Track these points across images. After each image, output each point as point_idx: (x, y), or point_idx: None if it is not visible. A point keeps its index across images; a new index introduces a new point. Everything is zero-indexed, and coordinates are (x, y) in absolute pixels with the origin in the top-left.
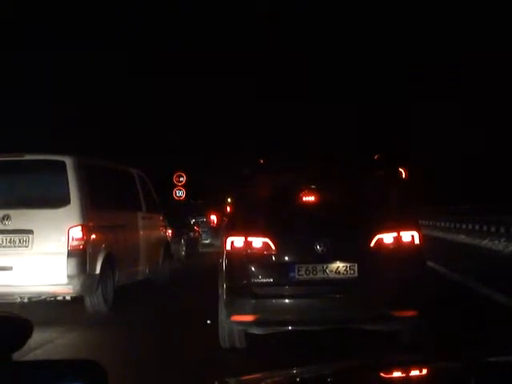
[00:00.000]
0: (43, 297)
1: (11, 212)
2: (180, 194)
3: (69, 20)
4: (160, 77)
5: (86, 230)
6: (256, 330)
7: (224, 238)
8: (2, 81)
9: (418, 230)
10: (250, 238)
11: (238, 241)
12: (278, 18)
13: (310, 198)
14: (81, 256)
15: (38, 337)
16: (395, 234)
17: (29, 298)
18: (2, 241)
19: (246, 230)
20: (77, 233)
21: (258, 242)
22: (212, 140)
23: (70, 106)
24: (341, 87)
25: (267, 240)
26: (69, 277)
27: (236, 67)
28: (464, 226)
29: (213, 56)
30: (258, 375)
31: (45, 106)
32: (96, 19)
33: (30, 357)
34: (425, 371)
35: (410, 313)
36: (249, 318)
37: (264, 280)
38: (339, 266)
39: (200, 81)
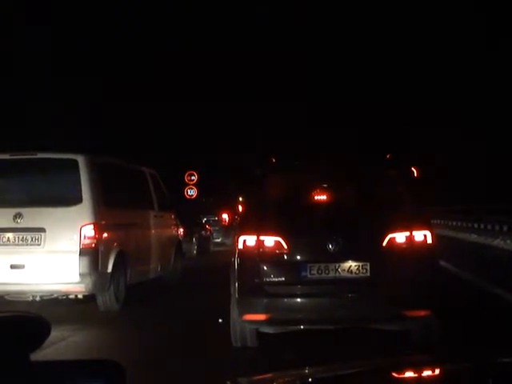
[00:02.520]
0: (55, 295)
1: (23, 210)
2: (191, 192)
3: (68, 20)
4: (162, 77)
5: (98, 228)
6: (268, 329)
7: (236, 237)
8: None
9: (431, 230)
10: (262, 237)
11: (250, 240)
12: (278, 18)
13: (322, 197)
14: (93, 254)
15: None
16: (407, 234)
17: (41, 297)
18: (15, 239)
19: (258, 229)
20: (89, 231)
21: (270, 240)
22: (223, 139)
23: (78, 106)
24: (342, 87)
25: (279, 239)
26: (81, 275)
27: (236, 67)
28: (476, 226)
29: (213, 56)
30: (269, 375)
31: (52, 106)
32: (96, 19)
33: (41, 356)
34: (437, 371)
35: (423, 312)
36: (261, 317)
37: (276, 279)
38: (351, 265)
39: (201, 82)
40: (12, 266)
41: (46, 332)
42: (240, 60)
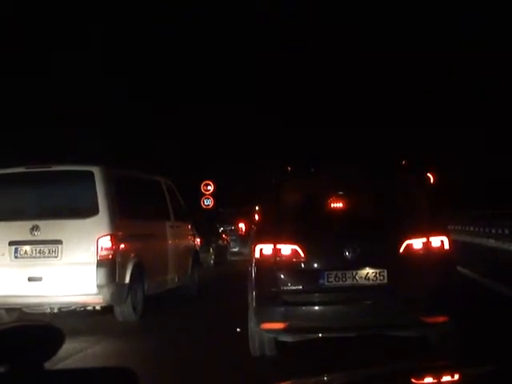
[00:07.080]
0: (73, 307)
1: (40, 223)
2: (208, 202)
3: (69, 21)
4: (162, 78)
5: (115, 239)
6: (286, 338)
7: (253, 246)
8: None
9: (448, 235)
10: (278, 246)
11: (267, 248)
12: (278, 18)
13: (338, 205)
14: (110, 266)
15: (67, 347)
16: (424, 240)
17: (59, 309)
18: (32, 251)
19: (275, 238)
20: (106, 242)
21: (286, 249)
22: (238, 147)
23: (94, 111)
24: (342, 87)
25: (296, 247)
26: (98, 286)
27: (236, 68)
28: (493, 231)
29: (211, 56)
30: (288, 382)
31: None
32: (96, 20)
33: (60, 367)
34: (457, 377)
35: (441, 318)
36: (279, 325)
37: (293, 287)
38: (369, 272)
39: (200, 82)
40: (30, 279)
41: (60, 340)
42: (239, 60)
